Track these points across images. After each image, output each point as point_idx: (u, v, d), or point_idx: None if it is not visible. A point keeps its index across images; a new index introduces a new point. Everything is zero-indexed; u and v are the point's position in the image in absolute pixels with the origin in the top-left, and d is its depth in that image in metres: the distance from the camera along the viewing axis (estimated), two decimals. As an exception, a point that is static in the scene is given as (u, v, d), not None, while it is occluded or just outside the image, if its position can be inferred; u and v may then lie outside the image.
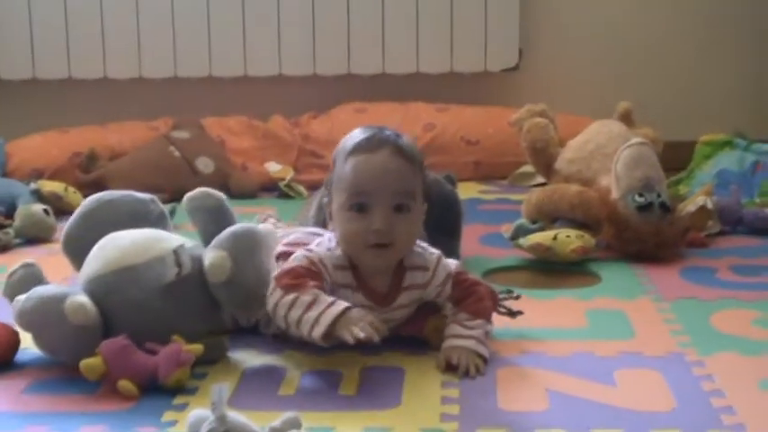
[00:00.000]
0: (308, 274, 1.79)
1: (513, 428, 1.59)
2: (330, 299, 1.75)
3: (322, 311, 1.72)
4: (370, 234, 1.78)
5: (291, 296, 1.75)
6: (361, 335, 1.69)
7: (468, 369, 1.77)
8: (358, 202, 1.78)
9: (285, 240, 1.99)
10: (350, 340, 1.69)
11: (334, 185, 1.84)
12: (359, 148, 1.81)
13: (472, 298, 1.89)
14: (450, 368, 1.79)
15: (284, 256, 1.90)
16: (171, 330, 1.80)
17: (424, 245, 1.90)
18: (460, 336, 1.83)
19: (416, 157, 1.86)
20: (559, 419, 1.62)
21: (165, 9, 3.42)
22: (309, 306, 1.74)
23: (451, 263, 1.92)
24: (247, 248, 1.86)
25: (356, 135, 1.85)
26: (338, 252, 1.84)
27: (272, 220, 2.30)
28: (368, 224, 1.78)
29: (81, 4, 3.43)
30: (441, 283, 1.89)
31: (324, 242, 1.87)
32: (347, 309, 1.73)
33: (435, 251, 1.90)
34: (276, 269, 1.86)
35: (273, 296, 1.79)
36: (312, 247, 1.86)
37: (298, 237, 2.01)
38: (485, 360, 1.81)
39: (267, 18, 3.43)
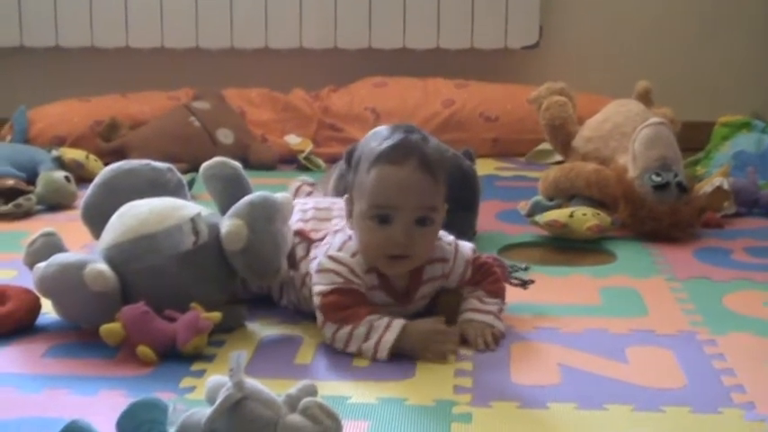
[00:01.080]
0: (353, 300, 1.78)
1: (525, 402, 1.60)
2: (384, 322, 1.75)
3: (379, 339, 1.73)
4: (390, 246, 1.76)
5: (345, 330, 1.75)
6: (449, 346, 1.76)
7: (487, 343, 1.79)
8: (379, 214, 1.75)
9: (299, 213, 1.98)
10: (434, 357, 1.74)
11: (356, 189, 1.80)
12: (384, 158, 1.76)
13: (490, 279, 1.89)
14: (465, 342, 1.80)
15: (301, 234, 1.92)
16: (188, 298, 1.82)
17: (440, 233, 1.87)
18: (478, 310, 1.85)
19: (441, 167, 1.80)
20: (571, 394, 1.63)
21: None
22: (366, 337, 1.74)
23: (467, 247, 1.91)
24: (264, 217, 1.86)
25: (381, 136, 1.80)
26: (360, 258, 1.81)
27: (307, 188, 2.28)
28: (388, 236, 1.75)
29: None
30: (461, 272, 1.88)
31: (344, 245, 1.83)
32: (402, 329, 1.74)
33: (450, 238, 1.89)
34: (294, 243, 1.89)
35: (326, 330, 1.78)
36: (334, 252, 1.82)
37: (311, 212, 2.00)
38: (502, 335, 1.83)
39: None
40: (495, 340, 1.80)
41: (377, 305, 1.81)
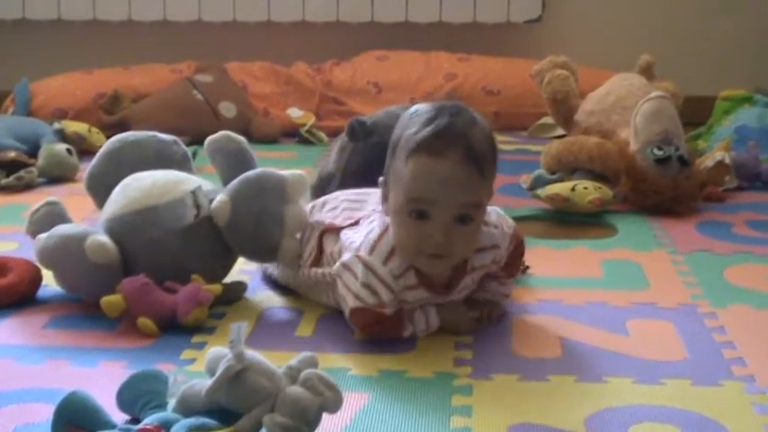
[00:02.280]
0: (380, 319, 1.69)
1: (525, 374, 1.60)
2: (422, 316, 1.74)
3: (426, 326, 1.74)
4: (428, 244, 1.62)
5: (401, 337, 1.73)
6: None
7: (493, 316, 1.79)
8: (417, 209, 1.61)
9: (329, 208, 1.90)
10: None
11: (393, 179, 1.66)
12: (424, 149, 1.60)
13: (517, 262, 1.85)
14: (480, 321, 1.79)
15: (331, 229, 1.83)
16: (189, 271, 1.82)
17: (494, 212, 1.76)
18: (495, 294, 1.83)
19: (490, 157, 1.64)
20: (571, 367, 1.63)
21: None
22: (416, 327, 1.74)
23: (508, 223, 1.79)
24: (250, 195, 1.86)
25: (422, 119, 1.63)
26: (396, 260, 1.67)
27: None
28: (425, 233, 1.61)
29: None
30: (501, 258, 1.77)
31: (377, 245, 1.68)
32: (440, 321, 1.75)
33: (494, 217, 1.75)
34: (323, 243, 1.84)
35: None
36: (364, 250, 1.68)
37: (342, 206, 1.88)
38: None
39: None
40: (498, 317, 1.80)
41: (408, 303, 1.73)
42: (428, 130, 1.60)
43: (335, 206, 1.90)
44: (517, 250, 1.81)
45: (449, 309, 1.75)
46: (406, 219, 1.63)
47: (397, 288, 1.69)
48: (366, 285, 1.67)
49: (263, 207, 1.85)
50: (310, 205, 1.96)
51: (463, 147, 1.59)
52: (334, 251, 1.79)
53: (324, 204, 1.93)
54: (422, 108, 1.67)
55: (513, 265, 1.83)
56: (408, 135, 1.63)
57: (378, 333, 1.72)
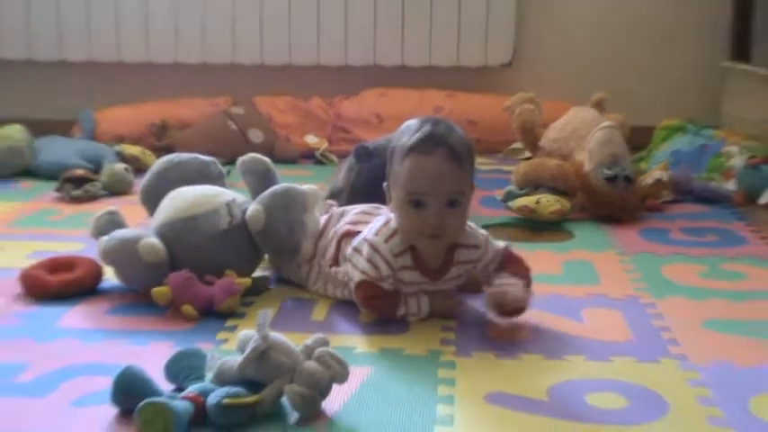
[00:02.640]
0: (381, 293, 1.71)
1: (501, 352, 1.61)
2: (414, 299, 1.73)
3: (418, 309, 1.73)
4: (425, 226, 1.65)
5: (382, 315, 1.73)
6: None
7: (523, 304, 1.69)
8: (414, 200, 1.65)
9: (348, 219, 1.89)
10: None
11: (393, 178, 1.70)
12: (415, 149, 1.65)
13: (518, 264, 1.79)
14: (500, 308, 1.69)
15: (348, 234, 1.82)
16: (224, 267, 1.82)
17: (473, 225, 1.78)
18: (509, 282, 1.70)
19: (468, 153, 1.70)
20: (538, 347, 1.64)
21: (227, 7, 3.41)
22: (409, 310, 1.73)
23: (499, 242, 1.81)
24: (281, 205, 1.86)
25: (412, 129, 1.69)
26: (396, 240, 1.70)
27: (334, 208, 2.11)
28: (423, 218, 1.65)
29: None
30: (490, 260, 1.77)
31: (381, 229, 1.73)
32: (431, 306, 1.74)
33: (483, 231, 1.79)
34: (339, 249, 1.83)
35: (366, 311, 1.75)
36: (370, 236, 1.73)
37: (358, 216, 1.89)
38: (527, 303, 1.70)
39: (308, 17, 3.41)
40: (517, 311, 1.69)
41: (405, 284, 1.73)
42: (417, 135, 1.67)
43: (352, 217, 1.90)
44: (509, 256, 1.81)
45: (440, 295, 1.75)
46: (407, 208, 1.67)
47: (396, 266, 1.70)
48: (369, 260, 1.70)
49: (291, 215, 1.86)
50: (328, 215, 1.96)
51: (445, 147, 1.65)
52: (348, 252, 1.79)
53: (342, 215, 1.93)
54: (410, 122, 1.73)
55: (517, 264, 1.79)
56: (402, 142, 1.69)
57: (377, 307, 1.72)
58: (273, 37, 3.43)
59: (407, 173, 1.66)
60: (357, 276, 1.72)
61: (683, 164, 2.85)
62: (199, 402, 1.32)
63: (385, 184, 1.75)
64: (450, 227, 1.68)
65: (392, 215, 1.74)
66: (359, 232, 1.79)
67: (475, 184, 1.74)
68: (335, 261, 1.84)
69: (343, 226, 1.88)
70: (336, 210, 1.98)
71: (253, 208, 1.86)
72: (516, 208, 2.46)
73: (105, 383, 1.37)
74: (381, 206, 1.86)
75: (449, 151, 1.65)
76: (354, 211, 1.93)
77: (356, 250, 1.74)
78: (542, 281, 1.98)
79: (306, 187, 1.90)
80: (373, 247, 1.71)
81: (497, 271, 1.77)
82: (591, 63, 3.53)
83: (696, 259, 2.16)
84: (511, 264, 1.79)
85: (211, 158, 2.06)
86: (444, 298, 1.76)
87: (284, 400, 1.36)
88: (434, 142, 1.66)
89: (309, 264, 1.89)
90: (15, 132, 2.95)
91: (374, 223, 1.78)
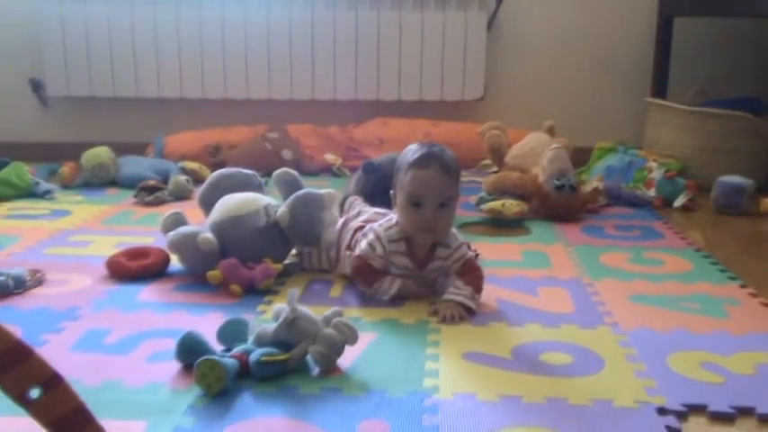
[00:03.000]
0: (370, 270, 1.71)
1: (476, 322, 1.61)
2: (389, 279, 1.70)
3: (386, 290, 1.70)
4: (424, 222, 1.66)
5: (369, 290, 1.72)
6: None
7: (447, 316, 1.60)
8: (414, 202, 1.66)
9: (362, 218, 1.90)
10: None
11: (398, 186, 1.70)
12: (416, 164, 1.66)
13: (471, 275, 1.71)
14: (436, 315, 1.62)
15: (361, 228, 1.82)
16: (262, 255, 1.82)
17: (456, 232, 1.75)
18: (452, 293, 1.66)
19: (455, 168, 1.70)
20: (505, 317, 1.63)
21: (264, 55, 3.41)
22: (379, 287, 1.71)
23: (468, 250, 1.76)
24: (301, 204, 1.86)
25: (414, 151, 1.70)
26: (394, 230, 1.71)
27: (358, 201, 2.12)
28: (421, 216, 1.66)
29: (213, 44, 3.41)
30: (456, 260, 1.72)
31: (384, 223, 1.74)
32: (401, 284, 1.70)
33: (461, 238, 1.75)
34: (353, 238, 1.82)
35: (353, 278, 1.75)
36: (375, 226, 1.74)
37: (369, 216, 1.89)
38: (471, 311, 1.64)
39: (327, 63, 3.41)
40: (461, 316, 1.60)
41: (397, 267, 1.72)
42: (418, 154, 1.69)
43: (366, 216, 1.91)
44: (469, 265, 1.73)
45: (414, 283, 1.73)
46: (408, 208, 1.67)
47: (390, 250, 1.71)
48: (370, 243, 1.72)
49: (309, 212, 1.86)
50: (345, 217, 1.96)
51: (439, 163, 1.67)
52: (359, 236, 1.81)
53: (358, 214, 1.94)
54: (413, 145, 1.74)
55: (471, 275, 1.71)
56: (406, 159, 1.70)
57: (361, 276, 1.72)
58: (300, 78, 3.43)
59: (410, 181, 1.66)
60: (357, 252, 1.75)
61: (615, 176, 2.85)
62: (243, 360, 1.32)
63: (392, 192, 1.75)
64: (440, 224, 1.68)
65: (396, 215, 1.74)
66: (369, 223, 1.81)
67: (460, 193, 1.75)
68: (349, 247, 1.85)
69: (358, 222, 1.89)
70: (354, 211, 1.98)
71: (281, 209, 1.86)
72: (486, 210, 2.45)
73: (171, 344, 1.37)
74: (388, 211, 1.86)
75: (442, 166, 1.67)
76: (369, 212, 1.94)
77: (364, 235, 1.77)
78: (506, 266, 1.98)
79: (324, 191, 1.90)
80: (376, 234, 1.72)
81: (458, 274, 1.72)
82: (544, 98, 3.52)
83: (625, 249, 2.16)
84: (467, 273, 1.71)
85: (252, 172, 2.06)
86: (416, 286, 1.72)
87: (309, 357, 1.36)
88: (431, 159, 1.67)
89: (337, 252, 1.89)
90: (103, 152, 2.95)
91: (381, 219, 1.79)
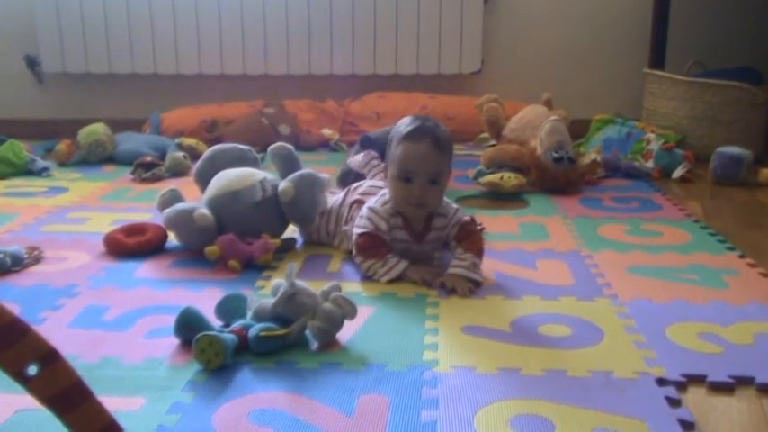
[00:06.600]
0: (377, 243, 1.67)
1: (473, 294, 1.60)
2: (394, 260, 1.65)
3: (389, 270, 1.65)
4: (412, 198, 1.64)
5: (369, 262, 1.67)
6: (427, 278, 1.63)
7: (466, 292, 1.58)
8: (404, 176, 1.64)
9: (360, 191, 1.88)
10: (418, 281, 1.63)
11: (390, 159, 1.68)
12: (408, 137, 1.63)
13: (470, 239, 1.68)
14: (445, 290, 1.60)
15: (358, 203, 1.81)
16: (260, 230, 1.81)
17: (449, 201, 1.72)
18: (456, 266, 1.64)
19: (448, 144, 1.66)
20: (503, 290, 1.63)
21: (260, 30, 3.38)
22: (383, 267, 1.65)
23: (464, 214, 1.73)
24: (307, 183, 1.85)
25: (407, 123, 1.67)
26: (389, 205, 1.69)
27: (375, 162, 2.08)
28: (410, 191, 1.63)
29: (209, 20, 3.38)
30: (452, 226, 1.70)
31: (379, 199, 1.72)
32: (406, 267, 1.65)
33: (455, 205, 1.73)
34: (351, 212, 1.80)
35: (357, 258, 1.69)
36: (372, 203, 1.72)
37: (366, 189, 1.87)
38: (476, 282, 1.62)
39: (323, 37, 3.38)
40: (469, 289, 1.59)
41: (397, 241, 1.70)
42: (410, 127, 1.66)
43: (363, 189, 1.89)
44: (466, 228, 1.70)
45: (418, 269, 1.67)
46: (399, 182, 1.65)
47: (390, 224, 1.69)
48: (369, 218, 1.70)
49: (313, 193, 1.85)
50: (345, 191, 1.94)
51: (431, 137, 1.64)
52: (357, 217, 1.78)
53: (357, 188, 1.92)
54: (406, 118, 1.71)
55: (469, 239, 1.68)
56: (399, 132, 1.67)
57: (369, 250, 1.67)
58: (297, 53, 3.41)
59: (401, 155, 1.64)
60: (357, 231, 1.71)
61: (613, 148, 2.85)
62: (242, 335, 1.32)
63: (384, 164, 1.74)
64: (430, 199, 1.66)
65: (386, 191, 1.72)
66: (365, 202, 1.79)
67: (452, 169, 1.71)
68: (346, 222, 1.84)
69: (355, 196, 1.87)
70: (352, 186, 1.96)
71: (284, 184, 1.84)
72: (485, 183, 2.44)
73: (170, 320, 1.36)
74: (383, 186, 1.84)
75: (434, 141, 1.63)
76: (365, 185, 1.92)
77: (360, 216, 1.74)
78: (505, 239, 1.98)
79: (322, 175, 1.89)
80: (373, 210, 1.70)
81: (456, 240, 1.69)
82: (541, 70, 3.50)
83: (623, 221, 2.15)
84: (466, 240, 1.68)
85: (248, 147, 2.04)
86: (419, 273, 1.66)
87: (307, 332, 1.35)
88: (423, 133, 1.64)
89: (335, 227, 1.88)
90: (100, 129, 2.93)
91: (375, 197, 1.77)
